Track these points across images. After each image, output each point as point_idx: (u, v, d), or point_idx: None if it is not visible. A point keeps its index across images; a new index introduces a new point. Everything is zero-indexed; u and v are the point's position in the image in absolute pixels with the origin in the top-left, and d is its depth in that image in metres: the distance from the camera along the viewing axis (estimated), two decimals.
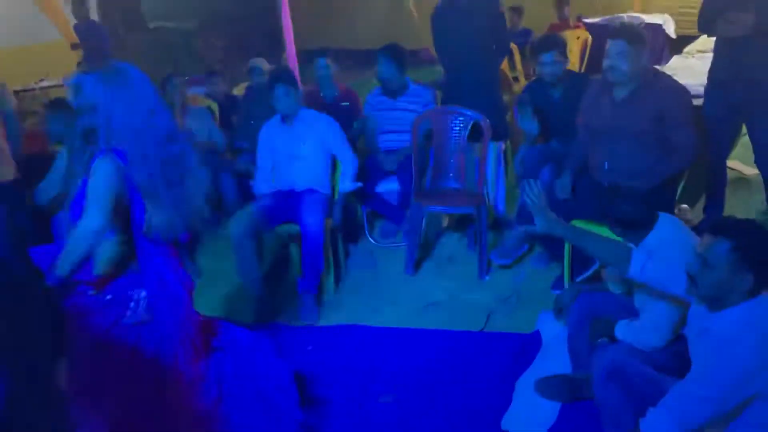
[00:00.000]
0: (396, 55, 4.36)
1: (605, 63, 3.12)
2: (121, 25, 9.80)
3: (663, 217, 2.42)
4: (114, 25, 9.70)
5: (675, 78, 3.32)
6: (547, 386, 2.72)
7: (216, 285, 4.06)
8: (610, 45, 3.08)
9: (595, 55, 7.30)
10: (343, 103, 4.73)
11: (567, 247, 3.30)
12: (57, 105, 3.76)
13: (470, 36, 3.97)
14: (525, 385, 2.79)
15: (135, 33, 11.62)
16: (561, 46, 3.78)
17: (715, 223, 1.97)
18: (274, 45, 11.30)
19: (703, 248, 1.92)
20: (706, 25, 3.58)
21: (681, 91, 3.15)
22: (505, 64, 6.18)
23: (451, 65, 4.34)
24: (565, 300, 2.78)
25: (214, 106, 5.27)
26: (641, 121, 3.07)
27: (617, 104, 3.15)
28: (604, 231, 2.97)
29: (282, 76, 3.88)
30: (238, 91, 5.91)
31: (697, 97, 3.63)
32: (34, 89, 8.21)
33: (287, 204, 3.75)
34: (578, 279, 3.36)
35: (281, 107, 3.82)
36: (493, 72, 4.32)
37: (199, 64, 11.21)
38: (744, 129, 3.76)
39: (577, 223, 3.22)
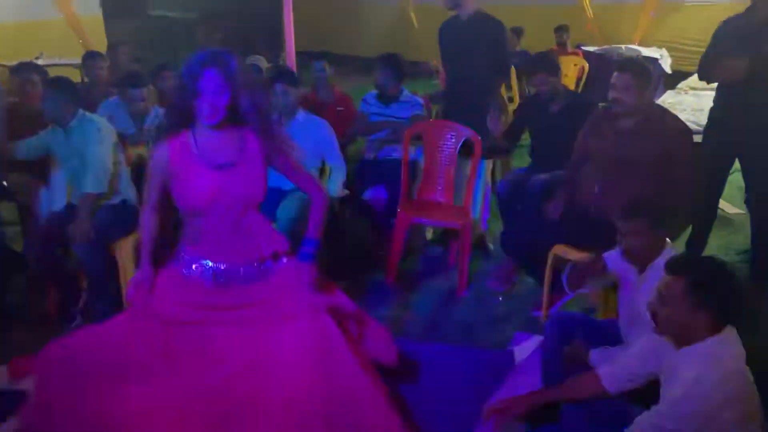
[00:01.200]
0: (395, 64, 4.43)
1: (611, 95, 3.17)
2: (123, 9, 9.75)
3: (668, 252, 2.44)
4: (116, 8, 9.66)
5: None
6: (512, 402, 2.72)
7: None
8: (617, 78, 3.12)
9: (590, 82, 7.40)
10: (338, 108, 4.76)
11: (548, 269, 3.34)
12: (56, 84, 3.67)
13: (471, 53, 4.00)
14: None
15: (136, 19, 11.59)
16: (554, 68, 3.91)
17: (674, 262, 1.99)
18: (273, 43, 11.36)
19: (662, 285, 1.95)
20: (705, 73, 3.66)
21: (684, 130, 3.21)
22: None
23: (452, 80, 4.37)
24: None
25: None
26: (642, 153, 3.11)
27: (620, 133, 3.20)
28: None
29: (283, 75, 3.90)
30: None
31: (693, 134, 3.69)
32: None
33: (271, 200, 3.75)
34: (559, 304, 3.40)
35: (279, 105, 3.83)
36: (489, 91, 4.34)
37: None
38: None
39: (561, 249, 3.28)
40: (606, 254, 2.70)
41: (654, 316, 1.98)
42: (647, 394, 2.11)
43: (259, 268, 2.48)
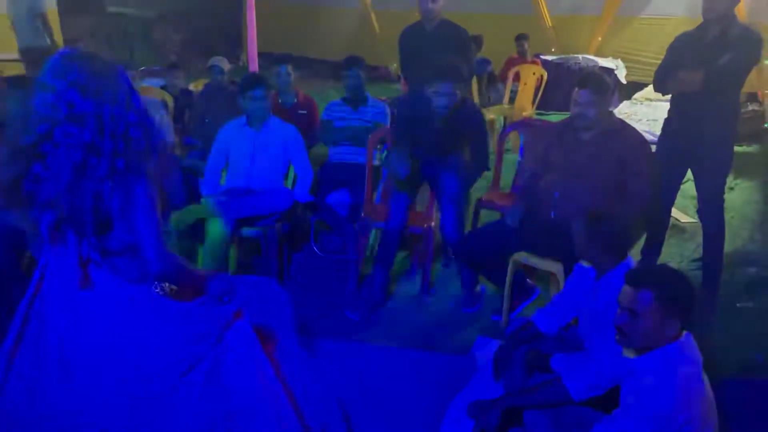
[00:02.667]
0: (363, 66, 4.51)
1: (573, 110, 3.25)
2: (79, 5, 9.53)
3: (627, 262, 2.49)
4: (72, 3, 9.43)
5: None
6: (479, 409, 2.76)
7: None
8: (578, 94, 3.20)
9: (548, 91, 7.54)
10: (301, 111, 4.75)
11: (509, 275, 3.39)
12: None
13: (436, 59, 4.03)
14: (457, 408, 2.82)
15: (92, 16, 11.32)
16: (456, 79, 3.62)
17: (636, 275, 2.02)
18: (232, 44, 11.29)
19: (628, 300, 1.98)
20: (660, 85, 3.76)
21: (642, 142, 3.31)
22: None
23: (416, 86, 4.39)
24: (500, 356, 2.74)
25: (170, 100, 5.19)
26: (602, 164, 3.20)
27: (581, 143, 3.27)
28: (552, 266, 3.07)
29: (258, 80, 3.91)
30: (195, 86, 5.85)
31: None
32: None
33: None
34: (519, 309, 3.45)
35: (254, 111, 3.84)
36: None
37: (155, 54, 11.04)
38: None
39: (521, 256, 3.33)
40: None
41: (621, 331, 2.00)
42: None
43: None
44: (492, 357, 2.78)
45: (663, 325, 1.95)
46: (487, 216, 4.27)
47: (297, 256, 4.27)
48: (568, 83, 3.35)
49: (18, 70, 6.65)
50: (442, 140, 3.59)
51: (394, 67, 10.48)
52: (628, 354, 2.07)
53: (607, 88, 3.26)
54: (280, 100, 4.72)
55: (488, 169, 3.88)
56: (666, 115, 3.87)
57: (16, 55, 7.30)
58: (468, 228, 4.17)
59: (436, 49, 4.04)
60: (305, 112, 4.77)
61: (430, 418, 2.77)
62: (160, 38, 11.91)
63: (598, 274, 2.54)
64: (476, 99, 6.83)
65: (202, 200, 3.78)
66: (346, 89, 4.57)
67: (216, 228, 3.60)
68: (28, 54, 6.73)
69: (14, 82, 3.61)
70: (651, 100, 6.21)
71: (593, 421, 2.05)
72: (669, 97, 3.88)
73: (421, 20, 4.25)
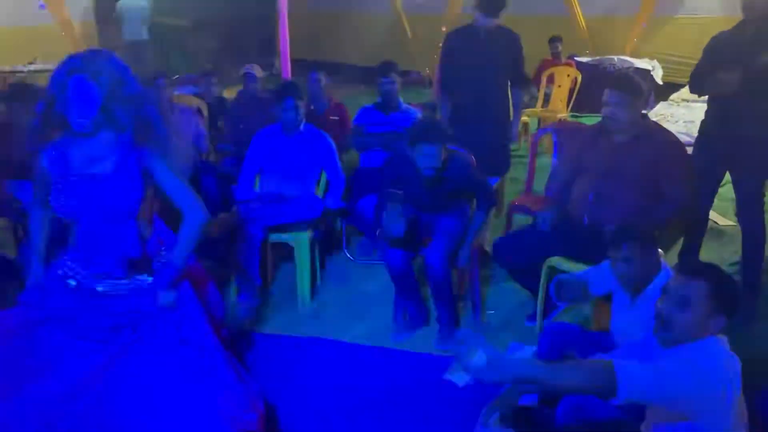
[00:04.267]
0: (398, 71, 4.53)
1: (604, 111, 3.20)
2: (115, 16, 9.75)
3: (664, 273, 2.46)
4: (109, 14, 9.65)
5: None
6: (513, 416, 2.74)
7: None
8: (609, 95, 3.16)
9: (583, 93, 7.45)
10: (333, 117, 4.79)
11: (542, 281, 3.35)
12: None
13: (486, 66, 4.00)
14: (490, 416, 2.80)
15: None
16: (444, 138, 3.32)
17: (693, 265, 1.99)
18: (266, 51, 11.41)
19: (681, 288, 1.93)
20: (697, 86, 3.69)
21: (677, 144, 3.25)
22: None
23: (460, 92, 4.33)
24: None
25: (204, 107, 5.27)
26: (636, 167, 3.15)
27: (615, 147, 3.23)
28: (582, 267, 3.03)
29: (293, 89, 3.96)
30: (228, 94, 5.92)
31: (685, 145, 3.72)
32: (23, 71, 8.14)
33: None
34: (553, 314, 3.41)
35: (287, 120, 3.88)
36: (503, 104, 4.29)
37: (190, 62, 11.21)
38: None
39: (555, 261, 3.29)
40: (599, 268, 2.72)
41: (665, 321, 1.94)
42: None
43: (121, 282, 2.42)
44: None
45: (708, 320, 1.91)
46: (520, 221, 4.23)
47: (329, 262, 4.29)
48: (603, 85, 3.29)
49: None
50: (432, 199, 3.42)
51: (426, 72, 10.50)
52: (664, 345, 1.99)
53: (639, 90, 3.21)
54: (312, 107, 4.75)
55: (494, 205, 3.70)
56: (703, 117, 3.80)
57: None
58: (501, 233, 4.15)
59: (492, 54, 3.99)
60: (337, 118, 4.80)
61: (463, 425, 2.75)
62: (195, 46, 12.10)
63: (634, 294, 2.50)
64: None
65: (234, 207, 3.82)
66: (380, 95, 4.59)
67: (248, 235, 3.63)
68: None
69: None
70: (688, 101, 6.09)
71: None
72: (706, 97, 3.81)
73: (474, 24, 4.22)
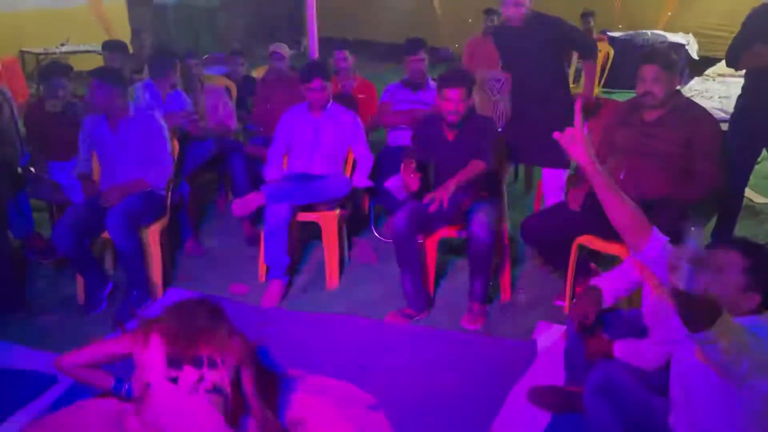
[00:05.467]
0: (426, 48, 4.51)
1: (639, 87, 3.14)
2: None
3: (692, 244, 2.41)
4: None
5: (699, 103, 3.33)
6: (540, 395, 2.74)
7: (221, 265, 4.11)
8: (645, 70, 3.09)
9: (615, 68, 7.31)
10: (360, 95, 4.77)
11: (572, 259, 3.32)
12: (109, 76, 3.65)
13: (535, 53, 3.90)
14: (518, 393, 2.80)
15: (158, 7, 11.66)
16: (468, 83, 3.46)
17: (732, 240, 1.94)
18: (294, 30, 11.38)
19: (713, 261, 1.89)
20: (734, 60, 3.60)
21: (711, 122, 3.17)
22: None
23: (516, 92, 4.22)
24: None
25: (233, 87, 5.28)
26: (668, 144, 3.09)
27: (647, 124, 3.17)
28: (617, 249, 2.99)
29: (319, 69, 3.94)
30: (257, 73, 5.93)
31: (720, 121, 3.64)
32: (55, 53, 8.24)
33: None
34: None
35: (315, 99, 3.89)
36: (559, 92, 4.08)
37: (218, 42, 11.25)
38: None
39: (585, 240, 3.26)
40: None
41: (700, 289, 1.86)
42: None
43: None
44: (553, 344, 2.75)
45: (742, 296, 1.87)
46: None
47: (358, 241, 4.30)
48: (636, 61, 3.22)
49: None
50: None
51: (456, 48, 10.39)
52: None
53: (674, 65, 3.14)
54: (339, 85, 4.74)
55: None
56: (740, 92, 3.71)
57: (94, 47, 7.59)
58: (531, 211, 4.11)
59: (531, 42, 3.91)
60: (364, 96, 4.78)
61: (491, 402, 2.76)
62: (223, 26, 12.13)
63: None
64: None
65: (262, 186, 3.84)
66: (409, 72, 4.55)
67: (275, 214, 3.66)
68: None
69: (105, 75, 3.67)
70: (724, 75, 5.94)
71: (655, 411, 2.00)
72: (743, 72, 3.71)
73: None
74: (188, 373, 2.15)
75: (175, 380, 2.15)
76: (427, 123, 3.68)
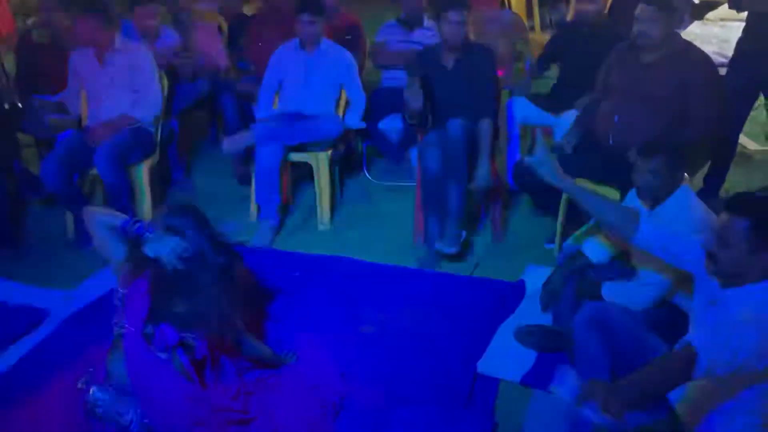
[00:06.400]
0: None
1: (635, 28, 3.09)
2: None
3: (682, 190, 2.42)
4: None
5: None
6: (526, 335, 2.77)
7: (211, 204, 4.09)
8: (641, 10, 3.04)
9: (614, 10, 7.15)
10: (347, 37, 4.64)
11: (563, 203, 3.32)
12: (93, 6, 3.55)
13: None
14: (505, 332, 2.84)
15: None
16: (466, 6, 3.45)
17: (734, 201, 1.88)
18: None
19: (721, 226, 1.85)
20: (736, 1, 3.52)
21: (708, 64, 3.13)
22: (522, 10, 6.04)
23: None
24: (550, 286, 2.72)
25: (224, 24, 5.16)
26: (664, 87, 3.06)
27: (643, 67, 3.13)
28: (609, 192, 2.99)
29: (310, 3, 3.81)
30: (248, 10, 5.77)
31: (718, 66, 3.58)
32: None
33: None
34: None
35: (305, 34, 3.79)
36: None
37: None
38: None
39: (577, 183, 3.24)
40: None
41: (712, 257, 1.88)
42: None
43: None
44: (541, 285, 2.77)
45: (755, 256, 1.81)
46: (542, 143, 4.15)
47: (349, 183, 4.28)
48: (634, 2, 3.16)
49: None
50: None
51: None
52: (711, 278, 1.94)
53: (672, 6, 3.07)
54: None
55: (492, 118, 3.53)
56: (740, 35, 3.64)
57: None
58: (523, 153, 4.08)
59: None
60: (350, 37, 4.65)
61: (480, 341, 2.80)
62: None
63: (653, 204, 2.47)
64: (536, 20, 6.55)
65: (253, 125, 3.79)
66: (404, 10, 4.44)
67: (267, 154, 3.62)
68: None
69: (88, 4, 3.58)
70: (725, 20, 5.84)
71: (649, 347, 2.02)
72: (744, 16, 3.64)
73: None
74: (165, 331, 2.08)
75: (149, 337, 2.09)
76: (426, 52, 3.67)
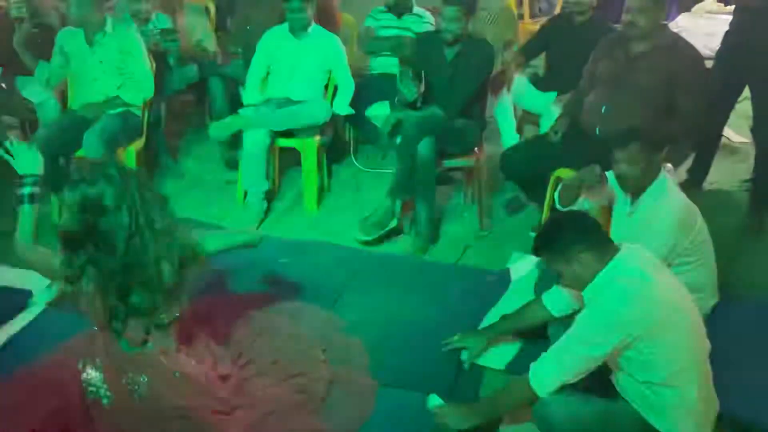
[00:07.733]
0: None
1: (624, 18, 3.11)
2: None
3: (660, 180, 2.46)
4: None
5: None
6: None
7: (198, 188, 4.08)
8: (631, 0, 3.04)
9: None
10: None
11: (549, 192, 3.34)
12: None
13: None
14: (490, 320, 2.86)
15: None
16: (465, 2, 3.46)
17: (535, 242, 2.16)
18: None
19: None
20: None
21: (696, 57, 3.16)
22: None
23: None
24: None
25: (211, 6, 5.11)
26: (651, 79, 3.08)
27: (631, 58, 3.15)
28: None
29: None
30: None
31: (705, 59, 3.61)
32: None
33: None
34: None
35: (293, 21, 3.77)
36: None
37: None
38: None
39: (563, 172, 3.26)
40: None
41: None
42: None
43: None
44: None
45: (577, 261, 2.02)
46: (531, 131, 4.18)
47: (337, 170, 4.28)
48: None
49: None
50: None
51: None
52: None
53: None
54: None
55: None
56: (727, 28, 3.67)
57: None
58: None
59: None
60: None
61: (464, 329, 2.81)
62: None
63: (634, 194, 2.50)
64: (526, 9, 6.53)
65: (240, 110, 3.78)
66: None
67: (254, 139, 3.61)
68: None
69: None
70: (712, 12, 5.88)
71: None
72: (731, 9, 3.67)
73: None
74: (134, 330, 2.05)
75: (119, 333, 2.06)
76: (426, 40, 3.69)
